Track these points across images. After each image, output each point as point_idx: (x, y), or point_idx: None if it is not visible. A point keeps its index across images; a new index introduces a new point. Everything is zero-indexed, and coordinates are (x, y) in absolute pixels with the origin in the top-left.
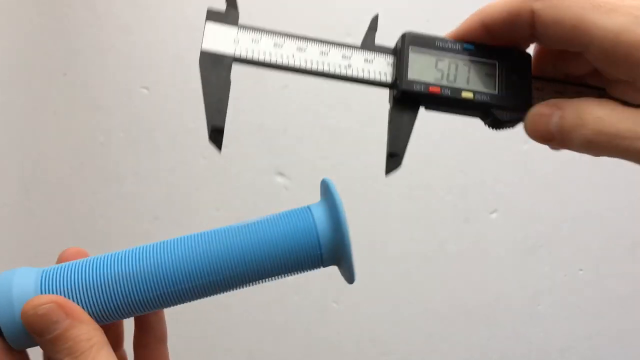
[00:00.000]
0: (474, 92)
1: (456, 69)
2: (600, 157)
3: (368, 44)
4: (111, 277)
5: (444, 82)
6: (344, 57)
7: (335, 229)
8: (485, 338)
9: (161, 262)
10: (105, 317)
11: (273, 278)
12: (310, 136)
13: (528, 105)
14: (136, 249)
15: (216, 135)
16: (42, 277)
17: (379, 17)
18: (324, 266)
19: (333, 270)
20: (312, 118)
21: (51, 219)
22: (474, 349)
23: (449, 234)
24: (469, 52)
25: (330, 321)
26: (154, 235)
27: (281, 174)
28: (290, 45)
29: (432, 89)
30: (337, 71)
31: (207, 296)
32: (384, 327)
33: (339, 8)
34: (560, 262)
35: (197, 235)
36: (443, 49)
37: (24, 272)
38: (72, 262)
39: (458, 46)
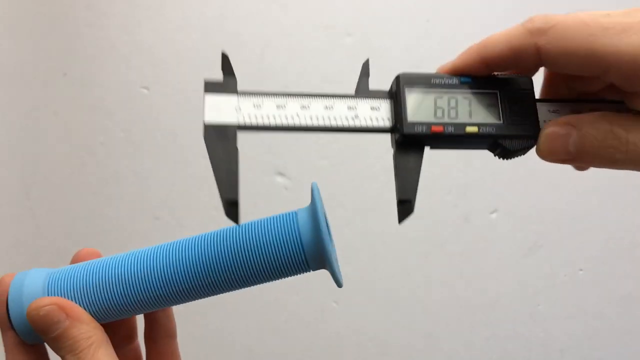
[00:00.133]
0: (478, 126)
1: (456, 103)
2: None
3: (362, 90)
4: (107, 280)
5: (446, 120)
6: (349, 108)
7: (316, 235)
8: (485, 338)
9: (152, 266)
10: (106, 316)
11: (264, 281)
12: (310, 136)
13: (536, 130)
14: (131, 253)
15: (232, 209)
16: (49, 278)
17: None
18: (313, 269)
19: None
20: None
21: (51, 219)
22: (474, 349)
23: (449, 234)
24: (468, 85)
25: (330, 321)
26: (154, 235)
27: (281, 174)
28: (293, 105)
29: (434, 128)
30: (345, 124)
31: (200, 298)
32: (384, 327)
33: (339, 8)
34: (560, 262)
35: (189, 239)
36: (440, 85)
37: (35, 273)
38: (77, 264)
39: (455, 80)
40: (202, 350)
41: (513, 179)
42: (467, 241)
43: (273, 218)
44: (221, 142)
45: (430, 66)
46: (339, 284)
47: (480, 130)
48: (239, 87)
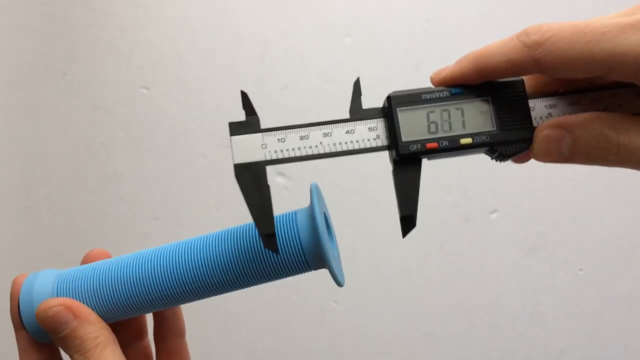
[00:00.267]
0: (472, 136)
1: (449, 116)
2: None
3: (357, 110)
4: (114, 280)
5: (440, 134)
6: (370, 129)
7: (315, 234)
8: (485, 338)
9: (155, 268)
10: (113, 315)
11: (265, 281)
12: None
13: (530, 133)
14: (136, 254)
15: (270, 241)
16: (59, 279)
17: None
18: (313, 269)
19: None
20: (312, 118)
21: (51, 219)
22: (474, 349)
23: (449, 234)
24: (459, 96)
25: (330, 321)
26: (154, 235)
27: (281, 174)
28: (315, 134)
29: (429, 145)
30: (367, 145)
31: (202, 298)
32: (384, 327)
33: (339, 8)
34: (560, 262)
35: (191, 240)
36: (431, 100)
37: (45, 274)
38: (85, 265)
39: (445, 93)
40: (202, 350)
41: (513, 179)
42: (467, 241)
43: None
44: (252, 180)
45: (430, 66)
46: (339, 284)
47: (475, 140)
48: (260, 116)
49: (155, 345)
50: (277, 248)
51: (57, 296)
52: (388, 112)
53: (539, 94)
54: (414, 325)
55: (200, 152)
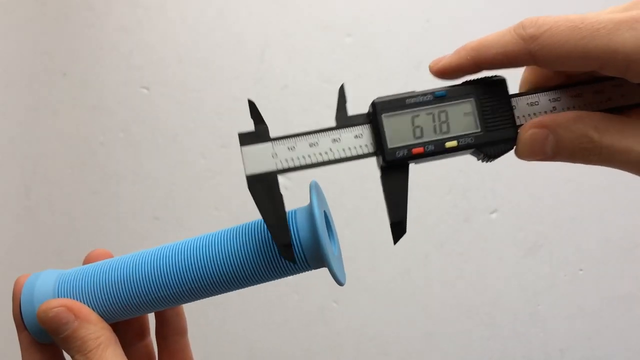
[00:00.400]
0: (457, 139)
1: (433, 119)
2: None
3: (342, 117)
4: (114, 280)
5: (425, 139)
6: (356, 137)
7: (314, 233)
8: (485, 338)
9: (156, 267)
10: (114, 315)
11: (266, 280)
12: None
13: (514, 132)
14: (136, 254)
15: (287, 251)
16: (60, 279)
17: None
18: (312, 268)
19: None
20: (312, 118)
21: (51, 219)
22: (474, 349)
23: (449, 234)
24: (442, 99)
25: (330, 321)
26: (154, 235)
27: None
28: (325, 141)
29: (415, 150)
30: (373, 150)
31: (202, 298)
32: (384, 327)
33: (339, 8)
34: (560, 262)
35: (191, 240)
36: (415, 104)
37: (47, 275)
38: (87, 265)
39: (429, 97)
40: (202, 350)
41: (513, 179)
42: (467, 241)
43: None
44: (265, 190)
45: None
46: (339, 283)
47: (460, 143)
48: (269, 124)
49: (158, 344)
50: (294, 257)
51: (58, 297)
52: (373, 118)
53: (539, 89)
54: (414, 325)
55: (200, 152)
